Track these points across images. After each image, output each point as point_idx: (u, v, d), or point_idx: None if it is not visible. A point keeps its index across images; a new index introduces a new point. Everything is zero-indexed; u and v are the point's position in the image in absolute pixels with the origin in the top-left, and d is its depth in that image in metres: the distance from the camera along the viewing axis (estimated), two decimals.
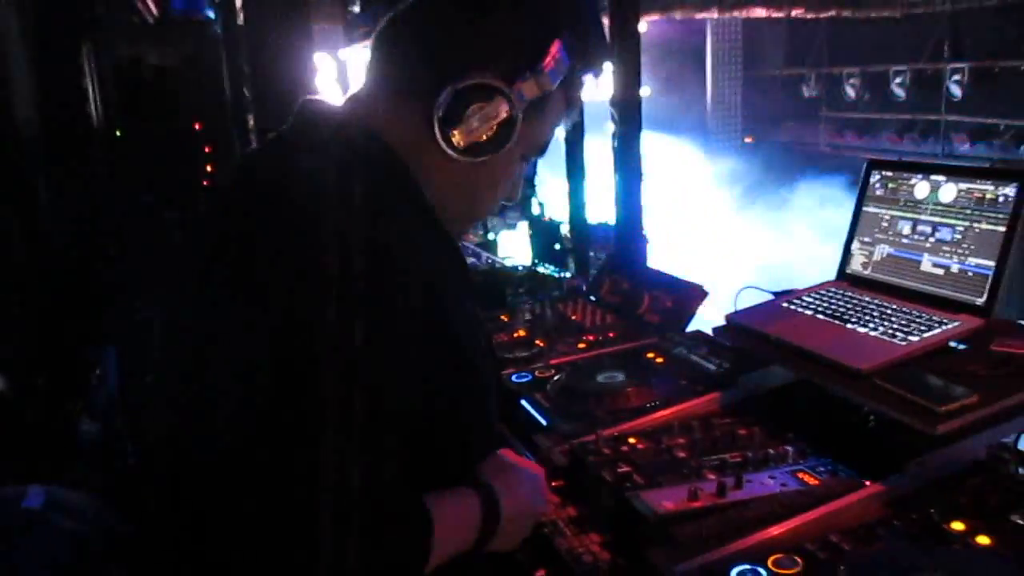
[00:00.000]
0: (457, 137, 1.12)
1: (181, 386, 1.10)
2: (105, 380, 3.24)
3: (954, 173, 1.71)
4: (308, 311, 0.97)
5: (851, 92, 11.54)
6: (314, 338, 0.96)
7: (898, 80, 10.75)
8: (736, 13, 11.04)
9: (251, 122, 5.03)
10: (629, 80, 2.88)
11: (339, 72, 5.82)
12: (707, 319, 2.10)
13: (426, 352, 1.03)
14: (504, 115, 1.12)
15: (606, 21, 2.84)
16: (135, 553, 1.83)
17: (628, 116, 2.90)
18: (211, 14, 5.45)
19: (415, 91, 1.14)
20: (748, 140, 13.20)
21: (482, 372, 1.17)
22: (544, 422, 1.74)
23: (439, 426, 1.08)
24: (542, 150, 1.26)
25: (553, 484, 1.49)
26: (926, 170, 1.77)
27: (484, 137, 1.13)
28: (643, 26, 10.19)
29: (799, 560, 1.19)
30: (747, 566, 1.19)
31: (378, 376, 0.98)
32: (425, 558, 1.03)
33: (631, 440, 1.58)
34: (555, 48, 1.15)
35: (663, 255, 3.51)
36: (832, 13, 10.41)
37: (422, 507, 1.04)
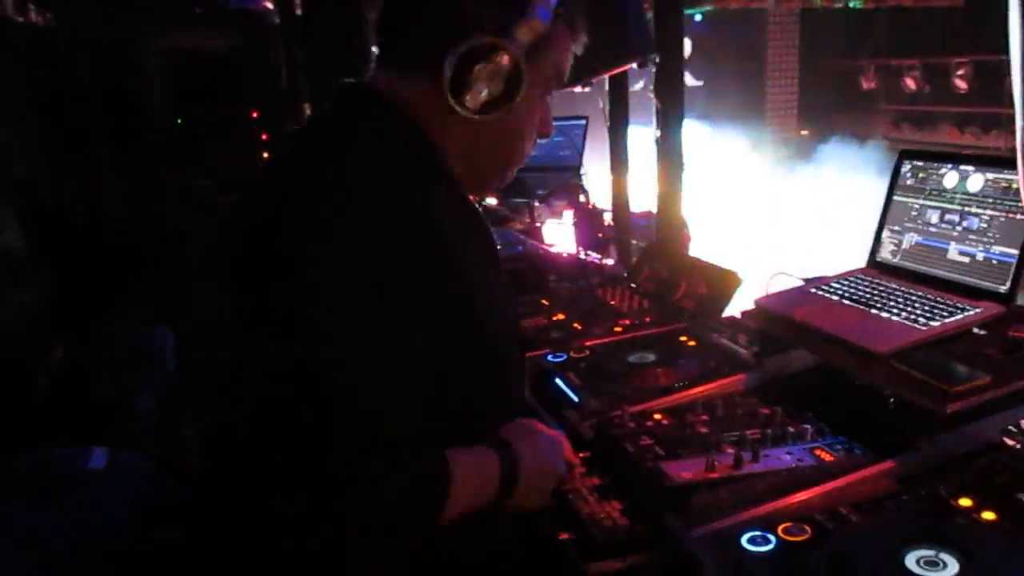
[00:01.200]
0: (471, 101, 1.17)
1: (222, 361, 1.19)
2: (162, 358, 3.39)
3: (982, 163, 1.74)
4: (341, 282, 1.05)
5: (911, 84, 11.31)
6: (345, 304, 1.04)
7: (960, 72, 10.51)
8: (794, 3, 10.91)
9: (307, 110, 5.16)
10: (672, 69, 2.93)
11: None
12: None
13: (448, 320, 1.11)
14: (508, 66, 1.16)
15: (650, 13, 2.88)
16: (187, 514, 1.95)
17: (671, 105, 2.94)
18: (269, 4, 5.59)
19: (420, 68, 1.19)
20: (804, 133, 13.03)
21: (502, 342, 1.24)
22: (575, 399, 1.81)
23: (459, 388, 1.16)
24: (560, 80, 1.30)
25: (580, 455, 1.56)
26: (955, 160, 1.80)
27: (496, 93, 1.17)
28: (698, 16, 10.13)
29: (807, 528, 1.24)
30: (757, 532, 1.24)
31: (403, 340, 1.07)
32: (441, 503, 1.10)
33: (656, 416, 1.65)
34: None
35: (706, 244, 3.54)
36: (892, 2, 10.23)
37: (442, 456, 1.11)
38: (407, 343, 1.08)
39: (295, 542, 1.02)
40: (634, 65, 2.81)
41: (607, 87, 3.37)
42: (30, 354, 3.17)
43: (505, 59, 1.16)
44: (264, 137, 4.53)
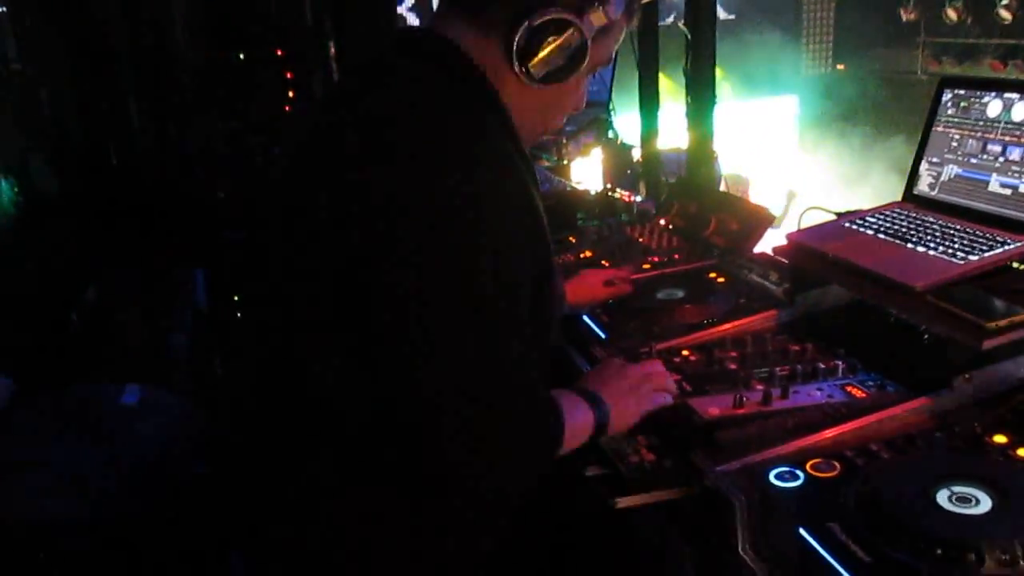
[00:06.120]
0: (534, 67, 1.21)
1: (289, 303, 1.20)
2: (193, 298, 3.42)
3: None
4: (426, 230, 1.07)
5: (952, 15, 10.93)
6: (437, 251, 1.06)
7: (1005, 2, 10.13)
8: None
9: (332, 49, 5.10)
10: (703, 2, 2.84)
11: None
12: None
13: (531, 257, 1.15)
14: (576, 45, 1.21)
15: None
16: (218, 451, 1.98)
17: (701, 39, 2.86)
18: None
19: (493, 26, 1.21)
20: (840, 67, 12.70)
21: (555, 288, 1.30)
22: (602, 335, 1.80)
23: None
24: (607, 63, 1.35)
25: None
26: (1000, 87, 1.72)
27: (556, 67, 1.22)
28: None
29: (837, 465, 1.23)
30: (785, 468, 1.23)
31: (513, 280, 1.11)
32: (557, 450, 1.19)
33: (684, 352, 1.63)
34: None
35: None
36: None
37: (557, 404, 1.19)
38: (525, 279, 1.15)
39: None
40: None
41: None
42: (63, 294, 3.20)
43: (576, 38, 1.20)
44: (289, 76, 4.46)
